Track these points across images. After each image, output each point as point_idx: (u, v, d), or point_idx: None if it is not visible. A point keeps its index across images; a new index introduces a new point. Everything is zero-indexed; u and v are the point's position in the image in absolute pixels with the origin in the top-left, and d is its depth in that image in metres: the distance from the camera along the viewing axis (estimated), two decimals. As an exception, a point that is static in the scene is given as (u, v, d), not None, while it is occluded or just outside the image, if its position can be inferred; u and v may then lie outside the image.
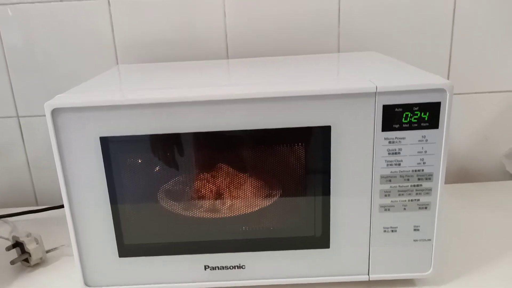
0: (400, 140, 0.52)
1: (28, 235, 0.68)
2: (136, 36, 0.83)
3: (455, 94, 0.86)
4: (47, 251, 0.70)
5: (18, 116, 0.87)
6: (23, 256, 0.67)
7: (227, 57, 0.84)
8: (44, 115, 0.52)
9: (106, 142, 0.53)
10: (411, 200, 0.54)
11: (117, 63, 0.84)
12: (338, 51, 0.84)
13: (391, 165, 0.53)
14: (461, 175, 0.92)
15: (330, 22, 0.82)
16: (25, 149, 0.89)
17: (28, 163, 0.90)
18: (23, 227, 0.80)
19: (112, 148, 0.53)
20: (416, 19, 0.83)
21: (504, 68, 0.85)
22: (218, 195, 0.58)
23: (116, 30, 0.83)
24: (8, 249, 0.67)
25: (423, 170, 0.53)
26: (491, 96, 0.87)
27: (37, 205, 0.92)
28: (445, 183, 0.89)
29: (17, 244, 0.68)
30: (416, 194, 0.54)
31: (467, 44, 0.84)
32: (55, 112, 0.52)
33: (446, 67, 0.85)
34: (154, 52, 0.84)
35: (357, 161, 0.53)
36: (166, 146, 0.54)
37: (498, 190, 0.86)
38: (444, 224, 0.73)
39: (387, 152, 0.53)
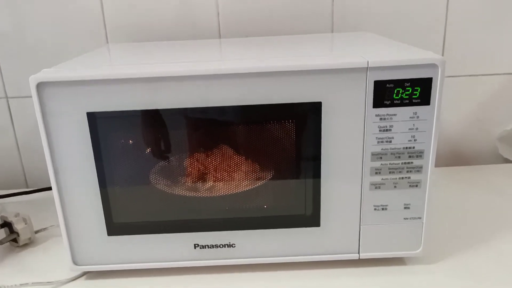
0: (391, 116, 0.52)
1: (17, 215, 0.67)
2: (127, 16, 0.82)
3: (448, 76, 0.86)
4: (36, 232, 0.69)
5: (7, 97, 0.86)
6: (12, 236, 0.66)
7: (219, 37, 0.83)
8: (35, 96, 0.51)
9: (93, 118, 0.52)
10: (402, 178, 0.54)
11: (107, 43, 0.83)
12: (332, 32, 0.83)
13: (382, 142, 0.53)
14: (454, 158, 0.91)
15: (324, 2, 0.81)
16: (15, 131, 0.88)
17: (17, 145, 0.89)
18: (13, 208, 0.79)
19: (100, 124, 0.52)
20: (411, 1, 0.82)
21: (498, 51, 0.85)
22: (208, 174, 0.58)
23: (106, 10, 0.81)
24: (-4, 229, 0.67)
25: (414, 147, 0.53)
26: (484, 79, 0.87)
27: (27, 187, 0.91)
28: (438, 165, 0.90)
29: (5, 224, 0.67)
30: (407, 171, 0.54)
31: (461, 27, 0.83)
32: (40, 87, 0.51)
33: (440, 50, 0.85)
34: (144, 32, 0.83)
35: (348, 138, 0.53)
36: (155, 122, 0.53)
37: (491, 173, 0.86)
38: (436, 205, 0.73)
39: (378, 129, 0.52)
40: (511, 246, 0.62)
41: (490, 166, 0.89)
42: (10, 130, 0.88)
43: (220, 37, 0.83)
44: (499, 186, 0.80)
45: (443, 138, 0.90)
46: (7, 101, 0.86)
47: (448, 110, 0.88)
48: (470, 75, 0.86)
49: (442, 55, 0.85)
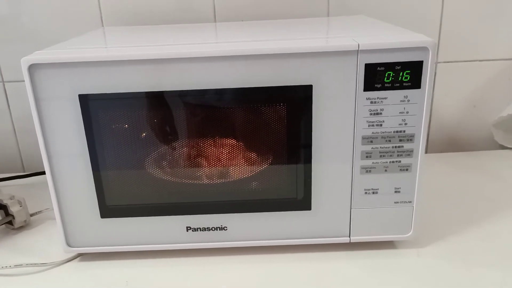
0: (382, 100, 0.52)
1: (12, 197, 0.68)
2: (122, 0, 0.81)
3: (444, 62, 0.85)
4: (32, 215, 0.70)
5: (3, 81, 0.86)
6: (7, 218, 0.67)
7: (215, 21, 0.83)
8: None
9: (85, 100, 0.52)
10: (392, 162, 0.54)
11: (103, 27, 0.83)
12: (328, 16, 0.82)
13: (373, 125, 0.53)
14: (450, 144, 0.91)
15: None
16: (11, 115, 0.88)
17: (14, 129, 0.89)
18: (9, 192, 0.80)
19: (92, 106, 0.52)
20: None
21: (494, 36, 0.84)
22: (200, 158, 0.58)
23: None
24: (-10, 211, 0.67)
25: (404, 131, 0.53)
26: (480, 65, 0.86)
27: (24, 171, 0.92)
28: (434, 151, 0.90)
29: (0, 207, 0.68)
30: (398, 155, 0.54)
31: (458, 13, 0.83)
32: (32, 68, 0.51)
33: (437, 35, 0.84)
34: (139, 16, 0.82)
35: (339, 121, 0.53)
36: (147, 105, 0.54)
37: (486, 159, 0.86)
38: (428, 189, 0.73)
39: (369, 113, 0.52)
40: (501, 230, 0.63)
41: (485, 152, 0.89)
42: (6, 114, 0.88)
43: (215, 21, 0.83)
44: (493, 171, 0.80)
45: (439, 124, 0.90)
46: (3, 85, 0.86)
47: (443, 96, 0.88)
48: (466, 61, 0.86)
49: (439, 40, 0.84)
